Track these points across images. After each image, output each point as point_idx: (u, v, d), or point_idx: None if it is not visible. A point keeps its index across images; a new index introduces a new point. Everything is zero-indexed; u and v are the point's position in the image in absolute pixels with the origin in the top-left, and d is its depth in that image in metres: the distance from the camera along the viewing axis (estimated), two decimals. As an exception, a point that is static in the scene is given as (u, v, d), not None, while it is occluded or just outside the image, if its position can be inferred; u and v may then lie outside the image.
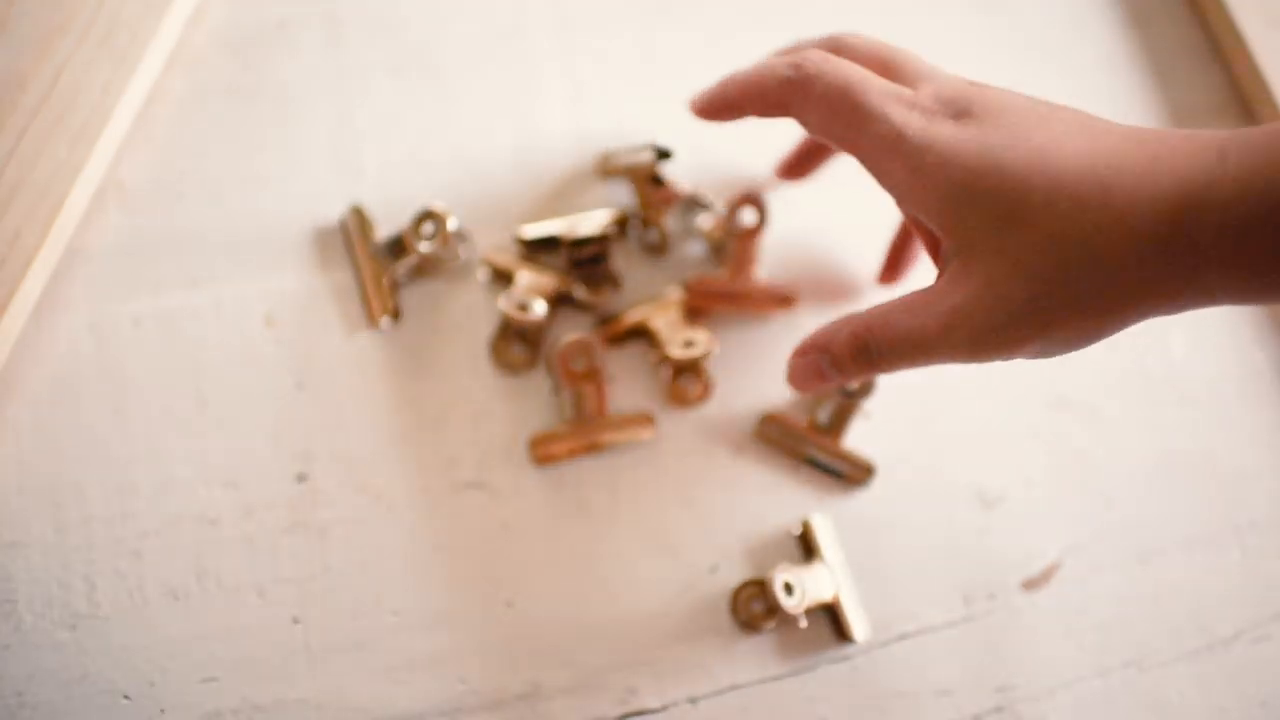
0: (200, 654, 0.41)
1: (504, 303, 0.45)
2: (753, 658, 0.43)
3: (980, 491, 0.47)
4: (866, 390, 0.46)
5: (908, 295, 0.36)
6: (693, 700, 0.43)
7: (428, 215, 0.46)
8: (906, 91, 0.35)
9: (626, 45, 0.54)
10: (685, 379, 0.46)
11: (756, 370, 0.48)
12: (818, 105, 0.36)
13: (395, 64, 0.52)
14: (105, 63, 0.47)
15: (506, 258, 0.48)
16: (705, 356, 0.45)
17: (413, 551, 0.44)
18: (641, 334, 0.47)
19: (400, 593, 0.43)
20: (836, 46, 0.39)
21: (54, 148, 0.45)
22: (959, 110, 0.34)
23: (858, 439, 0.47)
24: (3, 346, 0.43)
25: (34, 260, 0.44)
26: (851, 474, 0.46)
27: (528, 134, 0.51)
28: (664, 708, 0.42)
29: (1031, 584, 0.46)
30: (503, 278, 0.48)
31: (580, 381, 0.44)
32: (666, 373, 0.46)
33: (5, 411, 0.44)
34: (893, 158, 0.34)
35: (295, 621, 0.42)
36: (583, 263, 0.47)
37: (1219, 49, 0.57)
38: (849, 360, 0.37)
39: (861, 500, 0.46)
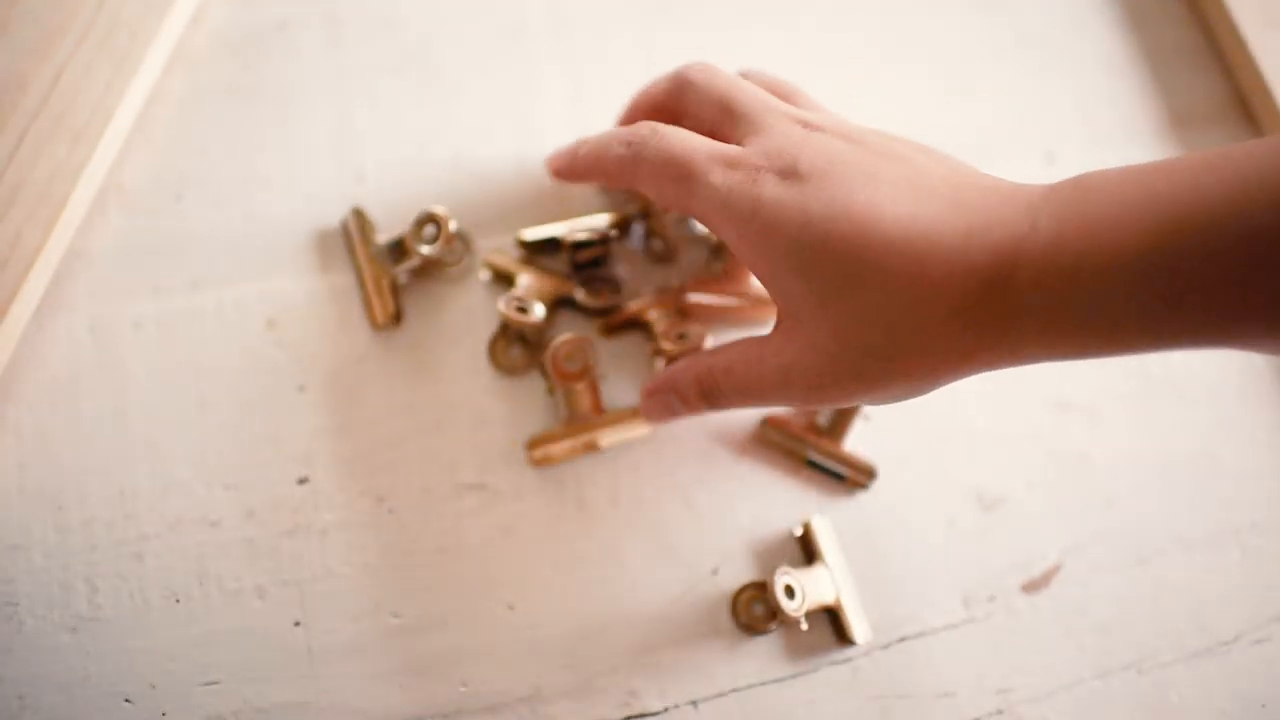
0: (201, 657, 0.41)
1: (503, 305, 0.45)
2: (754, 660, 0.43)
3: (980, 493, 0.47)
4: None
5: (748, 343, 0.38)
6: (694, 703, 0.43)
7: (429, 218, 0.46)
8: (733, 151, 0.36)
9: (627, 45, 0.54)
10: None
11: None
12: (650, 178, 0.38)
13: (396, 64, 0.52)
14: (106, 64, 0.47)
15: (508, 260, 0.48)
16: (697, 348, 0.45)
17: (414, 554, 0.44)
18: (639, 326, 0.47)
19: (401, 595, 0.43)
20: (681, 88, 0.40)
21: (54, 149, 0.45)
22: (785, 168, 0.34)
23: (858, 441, 0.47)
24: (4, 348, 0.43)
25: (35, 262, 0.44)
26: (853, 476, 0.46)
27: (528, 135, 0.51)
28: (665, 710, 0.42)
29: (1032, 586, 0.46)
30: (504, 279, 0.48)
31: (573, 380, 0.44)
32: (661, 365, 0.46)
33: (6, 413, 0.44)
34: (723, 221, 0.35)
35: (296, 624, 0.42)
36: (583, 266, 0.47)
37: (1219, 50, 0.57)
38: (695, 400, 0.40)
39: (862, 502, 0.47)
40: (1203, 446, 0.50)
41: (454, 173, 0.50)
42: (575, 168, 0.42)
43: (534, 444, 0.45)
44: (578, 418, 0.45)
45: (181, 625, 0.42)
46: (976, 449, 0.48)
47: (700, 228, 0.48)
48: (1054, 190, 0.32)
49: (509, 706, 0.42)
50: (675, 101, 0.41)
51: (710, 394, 0.39)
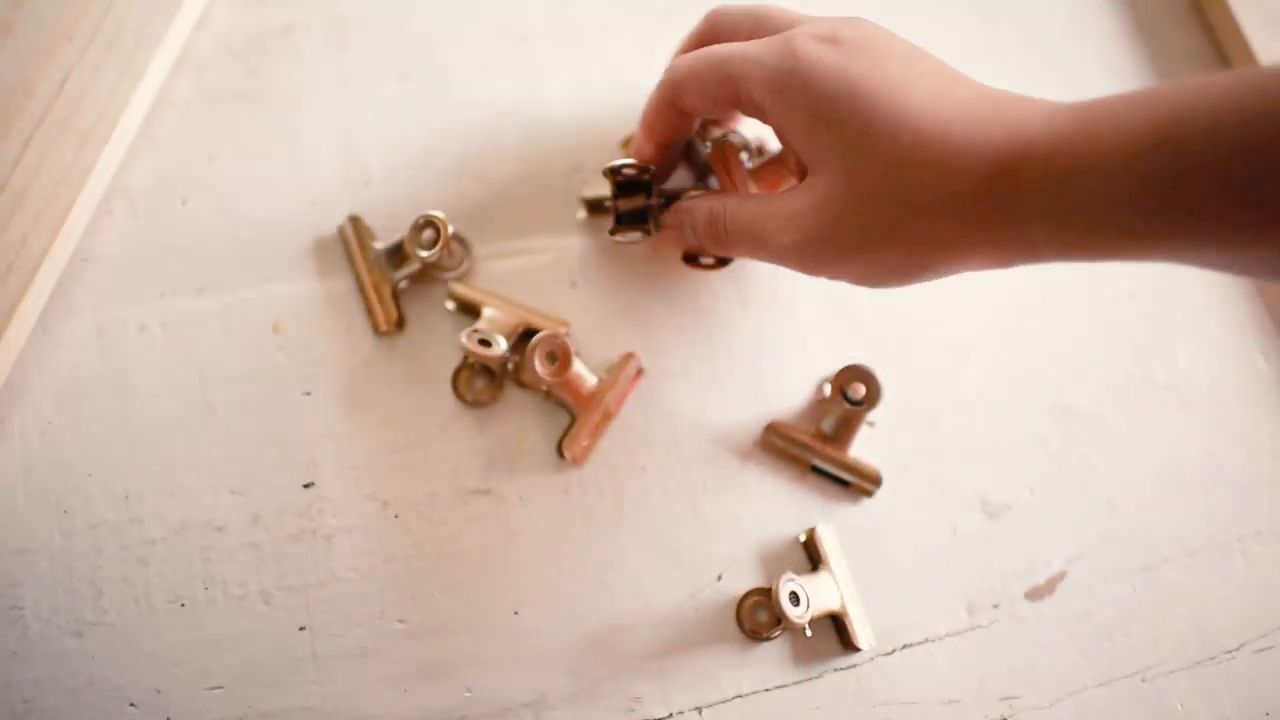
0: (206, 661, 0.41)
1: (465, 338, 0.45)
2: (758, 666, 0.43)
3: (984, 500, 0.47)
4: (872, 400, 0.46)
5: (764, 193, 0.40)
6: (698, 709, 0.43)
7: (427, 222, 0.46)
8: (771, 36, 0.38)
9: (629, 49, 0.54)
10: None
11: (761, 378, 0.48)
12: (694, 91, 0.39)
13: (400, 69, 0.52)
14: (112, 68, 0.47)
15: (473, 291, 0.47)
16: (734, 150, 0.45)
17: (419, 559, 0.44)
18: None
19: (406, 600, 0.43)
20: (713, 24, 0.43)
21: (61, 153, 0.45)
22: (825, 36, 0.36)
23: (862, 448, 0.47)
24: (10, 353, 0.43)
25: (41, 266, 0.44)
26: (857, 483, 0.46)
27: (533, 139, 0.51)
28: (669, 716, 0.42)
29: (1036, 593, 0.46)
30: (469, 310, 0.48)
31: (562, 373, 0.44)
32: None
33: (12, 417, 0.44)
34: (764, 83, 0.36)
35: (302, 629, 0.42)
36: (625, 189, 0.44)
37: (1224, 55, 0.57)
38: (704, 232, 0.41)
39: (866, 509, 0.47)
40: (1206, 453, 0.50)
41: (459, 177, 0.50)
42: (646, 131, 0.43)
43: (563, 446, 0.45)
44: (583, 401, 0.45)
45: (186, 630, 0.42)
46: (981, 456, 0.48)
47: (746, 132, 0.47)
48: (1077, 101, 0.34)
49: (513, 712, 0.42)
50: (710, 38, 0.43)
51: (715, 229, 0.41)
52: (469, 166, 0.51)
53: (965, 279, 0.47)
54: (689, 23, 0.54)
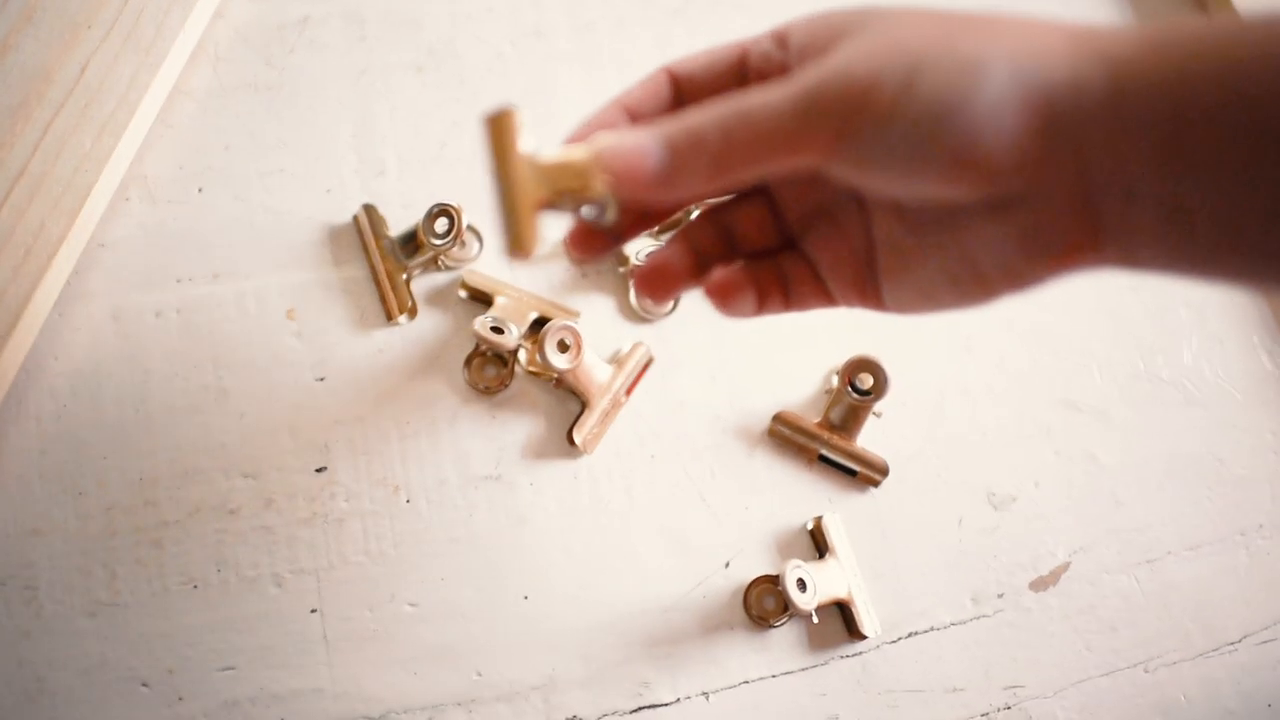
0: (219, 643, 0.42)
1: (478, 325, 0.45)
2: (765, 653, 0.44)
3: (991, 492, 0.48)
4: (879, 391, 0.46)
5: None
6: (706, 694, 0.43)
7: (441, 211, 0.46)
8: None
9: (645, 46, 0.54)
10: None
11: (769, 368, 0.49)
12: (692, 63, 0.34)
13: (417, 61, 0.53)
14: (131, 57, 0.48)
15: (485, 280, 0.48)
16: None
17: (430, 544, 0.44)
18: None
19: (417, 585, 0.43)
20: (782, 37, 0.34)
21: (79, 140, 0.46)
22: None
23: (869, 439, 0.48)
24: (27, 336, 0.44)
25: (58, 251, 0.44)
26: (864, 473, 0.47)
27: (547, 132, 0.52)
28: (677, 701, 0.43)
29: (1040, 584, 0.46)
30: (480, 299, 0.48)
31: (572, 364, 0.45)
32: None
33: (28, 400, 0.44)
34: (769, 39, 0.32)
35: (313, 612, 0.43)
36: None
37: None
38: (711, 157, 0.29)
39: (874, 499, 0.47)
40: (1210, 449, 0.50)
41: (472, 168, 0.51)
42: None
43: (573, 434, 0.45)
44: (593, 389, 0.46)
45: (199, 611, 0.42)
46: (987, 448, 0.48)
47: None
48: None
49: (522, 695, 0.42)
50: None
51: (732, 144, 0.29)
52: (483, 157, 0.51)
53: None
54: (702, 20, 0.55)
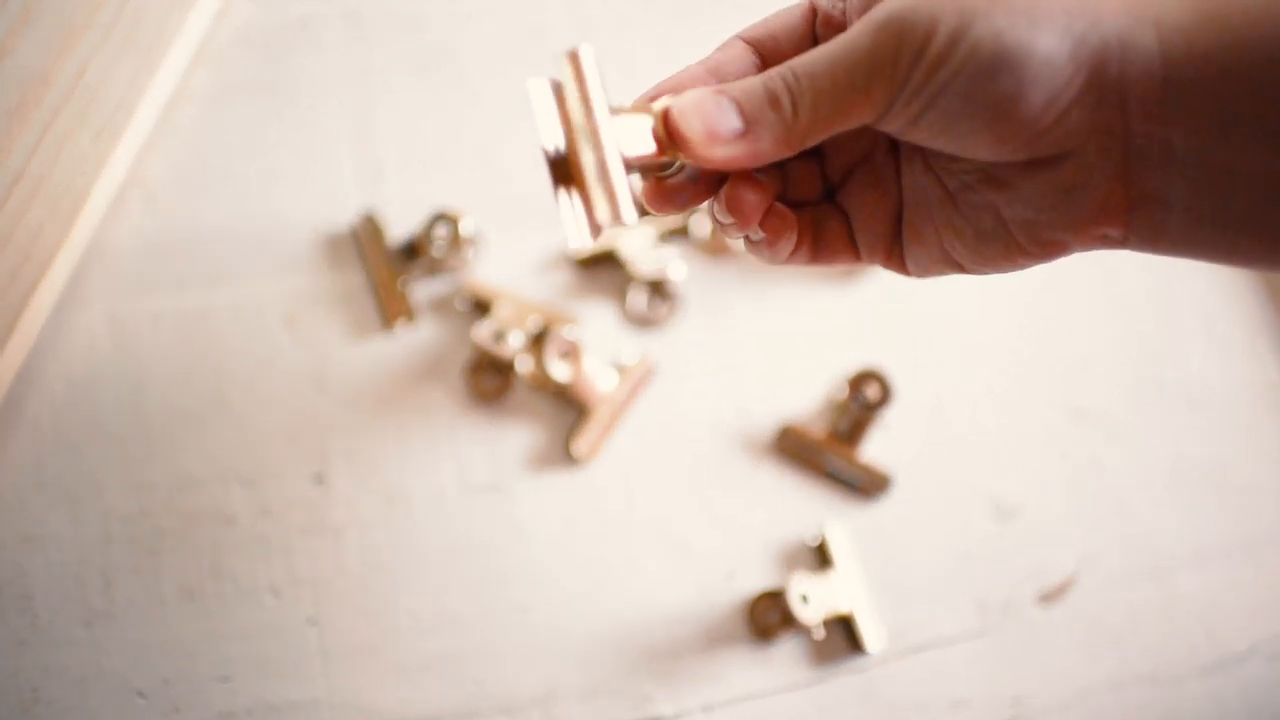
0: (215, 653, 0.41)
1: (480, 334, 0.45)
2: (768, 667, 0.43)
3: (997, 503, 0.47)
4: (886, 402, 0.46)
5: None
6: (707, 708, 0.42)
7: (440, 217, 0.46)
8: None
9: (647, 46, 0.54)
10: (653, 300, 0.48)
11: (773, 377, 0.48)
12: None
13: (417, 63, 0.52)
14: (130, 59, 0.47)
15: (484, 288, 0.47)
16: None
17: (428, 553, 0.44)
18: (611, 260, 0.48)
19: (415, 595, 0.43)
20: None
21: (77, 143, 0.45)
22: None
23: (876, 449, 0.47)
24: (24, 342, 0.43)
25: (56, 256, 0.44)
26: (868, 485, 0.46)
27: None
28: (678, 715, 0.42)
29: (1046, 596, 0.46)
30: (480, 307, 0.47)
31: (571, 374, 0.45)
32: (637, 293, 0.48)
33: (25, 406, 0.44)
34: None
35: (310, 623, 0.42)
36: None
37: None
38: (764, 111, 0.29)
39: (878, 510, 0.46)
40: (1218, 458, 0.49)
41: (473, 172, 0.50)
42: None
43: (572, 444, 0.45)
44: (594, 399, 0.45)
45: (195, 621, 0.42)
46: (993, 457, 0.48)
47: None
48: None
49: (522, 708, 0.42)
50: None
51: (776, 102, 0.28)
52: (483, 160, 0.51)
53: (979, 279, 0.47)
54: (705, 22, 0.55)
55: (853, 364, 0.48)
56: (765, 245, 0.32)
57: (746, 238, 0.32)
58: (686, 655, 0.43)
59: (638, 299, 0.48)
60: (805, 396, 0.48)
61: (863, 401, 0.46)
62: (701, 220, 0.50)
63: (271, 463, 0.44)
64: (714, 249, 0.49)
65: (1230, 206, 0.27)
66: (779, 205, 0.32)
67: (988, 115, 0.26)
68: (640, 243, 0.48)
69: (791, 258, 0.33)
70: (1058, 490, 0.48)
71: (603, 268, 0.49)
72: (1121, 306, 0.52)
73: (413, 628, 0.43)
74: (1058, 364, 0.50)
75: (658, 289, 0.48)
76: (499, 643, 0.43)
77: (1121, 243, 0.28)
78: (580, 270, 0.49)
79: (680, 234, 0.50)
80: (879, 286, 0.50)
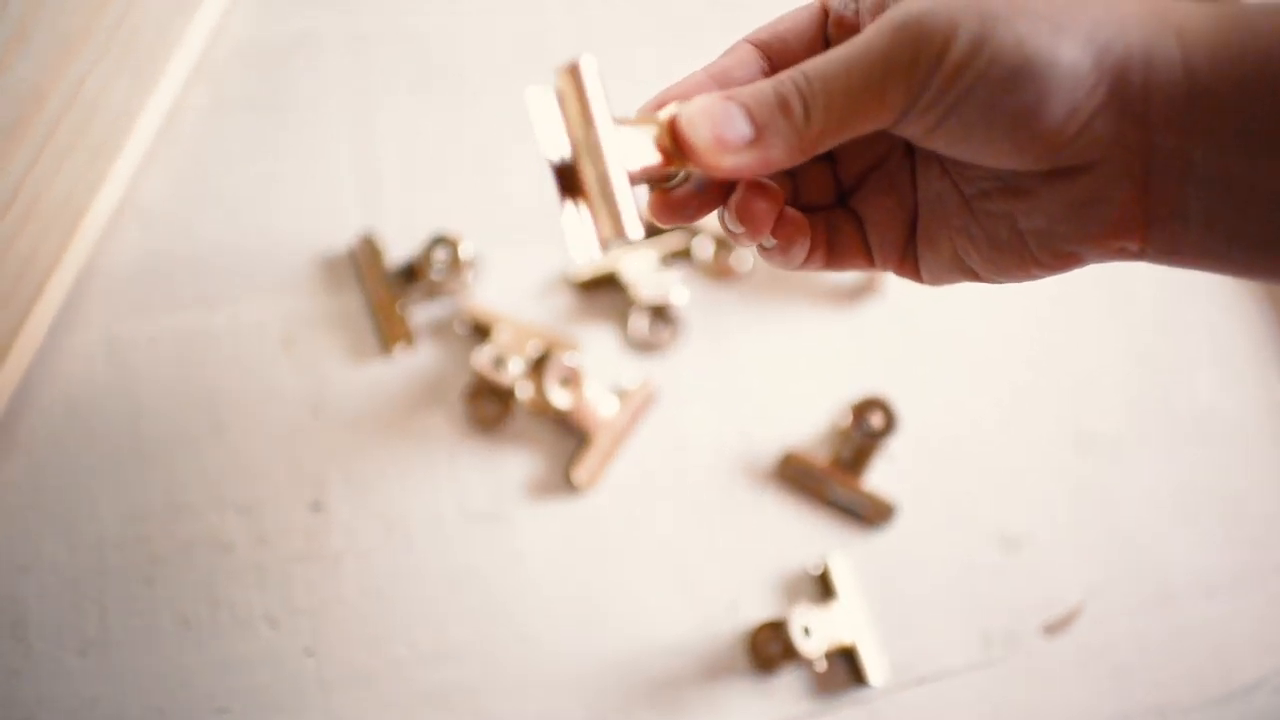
0: (211, 683, 0.41)
1: (479, 359, 0.44)
2: (770, 699, 0.43)
3: (1003, 533, 0.47)
4: (890, 430, 0.45)
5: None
6: (708, 740, 0.42)
7: (440, 240, 0.45)
8: None
9: (649, 62, 0.53)
10: (655, 325, 0.47)
11: (776, 403, 0.47)
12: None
13: (417, 80, 0.51)
14: (126, 77, 0.46)
15: (483, 311, 0.47)
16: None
17: (427, 582, 0.43)
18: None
19: (414, 625, 0.42)
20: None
21: (73, 163, 0.45)
22: None
23: (880, 478, 0.46)
24: (18, 365, 0.43)
25: (51, 277, 0.43)
26: (872, 514, 0.46)
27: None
28: (679, 747, 0.42)
29: (1052, 627, 0.45)
30: (479, 331, 0.47)
31: (572, 400, 0.44)
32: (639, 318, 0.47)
33: (19, 430, 0.44)
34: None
35: (308, 653, 0.42)
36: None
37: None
38: (774, 113, 0.28)
39: (882, 540, 0.46)
40: (1226, 486, 0.49)
41: (473, 190, 0.50)
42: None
43: (573, 471, 0.45)
44: (595, 426, 0.45)
45: (192, 651, 0.41)
46: (998, 486, 0.47)
47: None
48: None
49: (521, 740, 0.41)
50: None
51: (786, 105, 0.27)
52: (484, 178, 0.50)
53: (985, 304, 0.46)
54: (712, 37, 0.54)
55: (856, 390, 0.47)
56: (778, 252, 0.31)
57: (759, 245, 0.31)
58: (687, 686, 0.43)
59: (639, 323, 0.47)
60: (808, 423, 0.47)
61: (867, 429, 0.45)
62: (704, 243, 0.49)
63: (268, 489, 0.44)
64: (717, 272, 0.49)
65: (1249, 222, 0.26)
66: (791, 211, 0.31)
67: (1008, 125, 0.26)
68: (642, 266, 0.47)
69: (805, 264, 0.32)
70: (1064, 519, 0.47)
71: (604, 291, 0.48)
72: (1129, 333, 0.51)
73: (412, 658, 0.42)
74: (1064, 392, 0.49)
75: (660, 313, 0.48)
76: (499, 673, 0.42)
77: (1138, 255, 0.28)
78: (581, 293, 0.48)
79: (683, 256, 0.49)
80: (883, 311, 0.50)
